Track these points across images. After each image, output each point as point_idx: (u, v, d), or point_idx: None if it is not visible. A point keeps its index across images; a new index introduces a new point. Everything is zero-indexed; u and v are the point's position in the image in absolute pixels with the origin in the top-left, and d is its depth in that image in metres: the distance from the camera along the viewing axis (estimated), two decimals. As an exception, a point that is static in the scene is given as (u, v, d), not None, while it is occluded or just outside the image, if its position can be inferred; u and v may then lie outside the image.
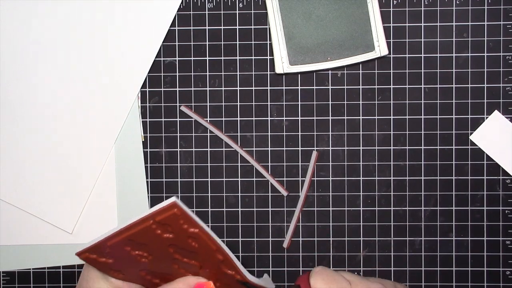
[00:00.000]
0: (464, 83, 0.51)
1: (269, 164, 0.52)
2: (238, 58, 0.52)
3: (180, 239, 0.32)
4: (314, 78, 0.52)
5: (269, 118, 0.52)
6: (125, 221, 0.32)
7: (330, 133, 0.52)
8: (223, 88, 0.52)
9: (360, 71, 0.51)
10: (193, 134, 0.52)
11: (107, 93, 0.51)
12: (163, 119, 0.52)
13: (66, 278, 0.52)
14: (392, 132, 0.51)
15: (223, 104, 0.52)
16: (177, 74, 0.52)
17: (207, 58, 0.52)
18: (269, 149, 0.52)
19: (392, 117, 0.51)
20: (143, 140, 0.52)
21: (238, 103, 0.52)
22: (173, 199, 0.30)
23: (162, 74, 0.52)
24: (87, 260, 0.34)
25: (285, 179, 0.52)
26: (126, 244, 0.32)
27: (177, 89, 0.52)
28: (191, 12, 0.51)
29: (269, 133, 0.52)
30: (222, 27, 0.51)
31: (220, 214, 0.52)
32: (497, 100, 0.51)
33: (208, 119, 0.52)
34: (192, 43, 0.52)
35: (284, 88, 0.52)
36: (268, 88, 0.52)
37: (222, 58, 0.52)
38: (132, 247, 0.33)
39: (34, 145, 0.51)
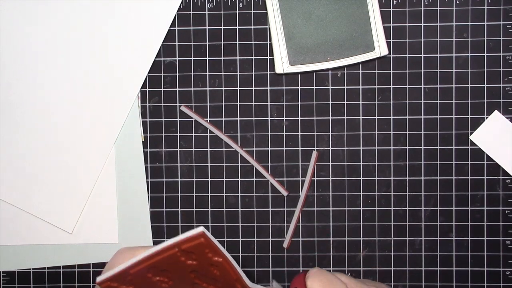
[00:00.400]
0: (464, 83, 0.51)
1: (269, 164, 0.52)
2: (238, 58, 0.52)
3: (203, 266, 0.33)
4: (314, 78, 0.52)
5: (269, 118, 0.52)
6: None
7: (330, 133, 0.52)
8: (223, 88, 0.52)
9: (360, 71, 0.51)
10: (193, 134, 0.52)
11: (107, 93, 0.51)
12: (163, 119, 0.52)
13: (66, 278, 0.52)
14: (392, 132, 0.51)
15: (223, 104, 0.52)
16: (177, 74, 0.52)
17: (207, 58, 0.52)
18: (269, 149, 0.52)
19: (392, 117, 0.51)
20: (143, 140, 0.52)
21: (238, 103, 0.52)
22: (201, 229, 0.31)
23: (162, 74, 0.52)
24: None
25: (285, 179, 0.52)
26: (148, 270, 0.33)
27: (177, 89, 0.52)
28: (191, 12, 0.51)
29: (269, 133, 0.52)
30: (222, 27, 0.51)
31: (220, 214, 0.52)
32: (497, 100, 0.51)
33: (208, 119, 0.52)
34: (192, 43, 0.52)
35: (284, 88, 0.52)
36: (268, 88, 0.52)
37: (222, 58, 0.52)
38: (154, 274, 0.33)
39: (34, 145, 0.51)
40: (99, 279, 0.32)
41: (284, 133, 0.52)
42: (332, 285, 0.35)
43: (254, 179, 0.52)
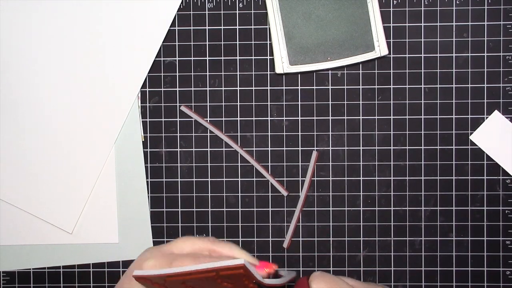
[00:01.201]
0: (464, 83, 0.51)
1: (269, 164, 0.52)
2: (238, 58, 0.52)
3: None
4: (314, 78, 0.52)
5: (269, 118, 0.52)
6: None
7: (330, 133, 0.52)
8: (223, 88, 0.52)
9: (360, 71, 0.51)
10: (193, 134, 0.52)
11: (107, 93, 0.51)
12: (163, 119, 0.52)
13: (66, 278, 0.52)
14: (392, 132, 0.51)
15: (223, 104, 0.52)
16: (177, 74, 0.52)
17: (207, 58, 0.52)
18: (269, 149, 0.52)
19: (392, 117, 0.51)
20: (143, 140, 0.52)
21: (238, 103, 0.52)
22: (242, 261, 0.33)
23: (162, 74, 0.52)
24: (140, 281, 0.36)
25: (285, 179, 0.52)
26: (183, 281, 0.35)
27: (177, 89, 0.52)
28: (191, 12, 0.51)
29: (269, 133, 0.52)
30: (222, 27, 0.51)
31: (220, 214, 0.52)
32: (497, 100, 0.51)
33: (208, 119, 0.52)
34: (192, 43, 0.52)
35: (284, 88, 0.52)
36: (268, 88, 0.52)
37: (222, 58, 0.52)
38: (187, 285, 0.35)
39: (34, 145, 0.51)
40: (137, 273, 0.35)
41: (284, 133, 0.52)
42: (338, 285, 0.35)
43: (254, 179, 0.52)
